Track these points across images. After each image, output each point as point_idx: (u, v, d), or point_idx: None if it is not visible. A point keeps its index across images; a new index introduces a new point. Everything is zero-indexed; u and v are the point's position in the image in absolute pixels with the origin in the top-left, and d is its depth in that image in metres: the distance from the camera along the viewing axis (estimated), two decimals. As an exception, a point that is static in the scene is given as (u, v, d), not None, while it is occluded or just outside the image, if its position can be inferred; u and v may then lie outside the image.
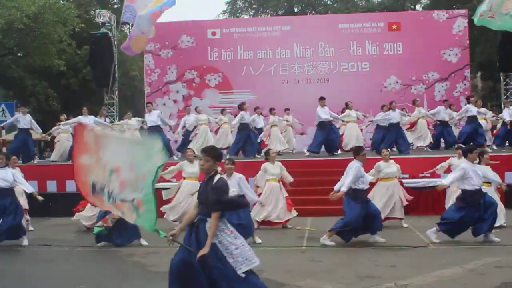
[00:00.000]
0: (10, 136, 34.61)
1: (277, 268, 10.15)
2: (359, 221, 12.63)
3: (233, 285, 7.15)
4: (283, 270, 10.20)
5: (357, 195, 12.72)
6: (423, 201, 17.02)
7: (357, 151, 13.17)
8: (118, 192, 7.42)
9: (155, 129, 21.52)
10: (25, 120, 21.80)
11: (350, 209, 12.71)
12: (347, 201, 12.78)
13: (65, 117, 23.56)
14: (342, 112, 22.65)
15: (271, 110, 22.94)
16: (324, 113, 20.66)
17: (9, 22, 29.78)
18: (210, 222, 7.27)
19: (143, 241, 13.63)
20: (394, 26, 28.01)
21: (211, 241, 7.20)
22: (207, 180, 7.56)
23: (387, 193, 14.92)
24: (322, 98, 20.86)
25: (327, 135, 20.82)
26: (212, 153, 7.66)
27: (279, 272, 9.92)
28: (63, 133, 22.83)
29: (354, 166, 12.73)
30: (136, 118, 23.17)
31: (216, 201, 7.32)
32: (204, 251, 7.12)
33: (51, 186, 20.35)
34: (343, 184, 12.64)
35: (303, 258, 11.60)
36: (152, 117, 21.82)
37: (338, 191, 12.61)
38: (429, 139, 22.33)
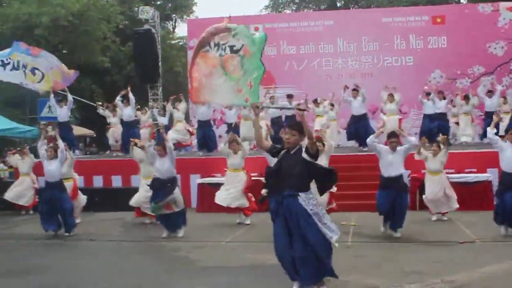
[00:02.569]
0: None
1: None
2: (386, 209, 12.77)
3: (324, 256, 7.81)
4: (328, 265, 10.18)
5: (385, 183, 12.77)
6: (469, 197, 16.82)
7: (387, 137, 13.14)
8: None
9: (205, 124, 21.52)
10: (62, 112, 22.00)
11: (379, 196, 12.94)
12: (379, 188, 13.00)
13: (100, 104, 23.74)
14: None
15: (315, 101, 22.83)
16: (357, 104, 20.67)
17: (54, 20, 30.17)
18: (303, 196, 7.65)
19: (181, 232, 13.89)
20: (438, 20, 27.75)
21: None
22: (293, 154, 7.83)
23: (436, 187, 14.86)
24: (354, 90, 20.77)
25: (356, 128, 20.85)
26: (299, 128, 7.89)
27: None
28: (112, 127, 22.98)
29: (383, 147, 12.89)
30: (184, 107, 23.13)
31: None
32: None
33: (97, 181, 20.56)
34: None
35: (348, 253, 11.53)
36: (201, 110, 21.74)
37: None
38: (472, 135, 22.01)
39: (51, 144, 15.20)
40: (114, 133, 22.79)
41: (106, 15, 33.35)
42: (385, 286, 8.90)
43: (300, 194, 7.69)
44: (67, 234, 14.48)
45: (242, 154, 15.24)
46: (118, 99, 22.34)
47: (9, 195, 18.91)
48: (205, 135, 21.32)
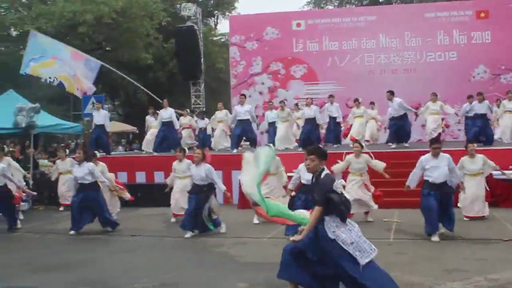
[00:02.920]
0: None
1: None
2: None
3: (357, 276, 7.31)
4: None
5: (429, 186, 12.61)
6: (514, 194, 16.59)
7: (430, 142, 13.06)
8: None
9: (245, 123, 21.57)
10: (99, 116, 22.25)
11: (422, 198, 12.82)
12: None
13: (153, 109, 23.92)
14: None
15: (355, 101, 22.76)
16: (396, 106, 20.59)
17: (98, 17, 30.46)
18: (327, 221, 7.49)
19: (223, 228, 14.07)
20: (482, 14, 27.45)
21: (307, 232, 7.51)
22: (315, 179, 7.71)
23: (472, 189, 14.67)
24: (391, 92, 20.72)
25: (398, 127, 20.81)
26: (317, 152, 7.75)
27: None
28: (152, 128, 23.17)
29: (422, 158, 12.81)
30: (226, 111, 23.19)
31: (321, 196, 7.49)
32: (297, 238, 7.59)
33: (140, 177, 20.73)
34: None
35: (389, 250, 11.49)
36: (243, 109, 21.73)
37: None
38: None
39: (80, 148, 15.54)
40: (153, 136, 22.97)
41: (149, 12, 33.54)
42: (427, 283, 8.85)
43: (325, 218, 7.56)
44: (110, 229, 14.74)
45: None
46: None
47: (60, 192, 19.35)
48: (245, 132, 21.46)
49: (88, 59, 22.13)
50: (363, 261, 7.34)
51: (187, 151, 16.08)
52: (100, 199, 14.71)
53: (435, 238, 12.35)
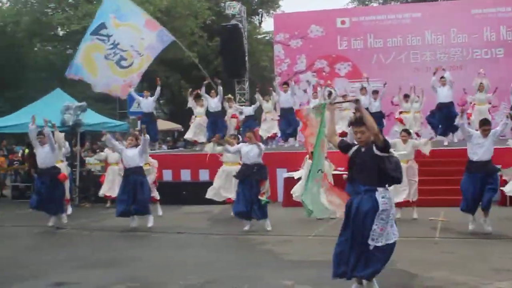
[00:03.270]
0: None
1: (410, 259, 10.02)
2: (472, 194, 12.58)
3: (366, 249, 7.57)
4: (415, 261, 10.05)
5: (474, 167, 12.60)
6: None
7: (480, 124, 12.96)
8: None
9: (288, 111, 21.60)
10: (147, 103, 22.39)
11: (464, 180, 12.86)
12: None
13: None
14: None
15: (405, 96, 22.53)
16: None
17: (142, 16, 30.67)
18: (380, 192, 7.62)
19: (269, 225, 14.11)
20: (530, 10, 27.07)
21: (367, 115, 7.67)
22: (366, 150, 7.72)
23: None
24: (442, 78, 20.74)
25: (440, 116, 20.71)
26: (364, 122, 7.76)
27: (411, 263, 9.80)
28: (198, 116, 23.16)
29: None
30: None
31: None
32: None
33: (185, 175, 20.84)
34: None
35: (436, 249, 11.40)
36: (285, 97, 21.96)
37: None
38: None
39: (131, 133, 15.68)
40: (199, 124, 22.81)
41: (194, 11, 33.74)
42: (474, 283, 8.74)
43: (378, 189, 7.63)
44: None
45: None
46: (203, 91, 22.55)
47: (103, 189, 19.39)
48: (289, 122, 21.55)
49: (162, 30, 22.02)
50: (379, 242, 7.57)
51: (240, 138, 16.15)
52: (145, 183, 15.00)
53: (470, 226, 12.71)
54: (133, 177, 14.75)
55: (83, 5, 32.13)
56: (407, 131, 15.08)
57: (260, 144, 14.17)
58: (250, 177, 13.95)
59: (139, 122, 25.47)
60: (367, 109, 20.06)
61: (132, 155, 14.71)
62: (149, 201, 15.45)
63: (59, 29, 35.02)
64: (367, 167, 7.64)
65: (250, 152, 13.95)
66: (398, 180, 7.77)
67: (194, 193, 18.86)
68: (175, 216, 16.73)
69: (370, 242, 7.51)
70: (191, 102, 22.95)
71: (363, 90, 22.19)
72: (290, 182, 17.48)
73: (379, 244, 7.52)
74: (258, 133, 14.66)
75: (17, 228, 16.11)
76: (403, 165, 14.46)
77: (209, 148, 15.83)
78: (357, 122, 7.84)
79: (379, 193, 7.56)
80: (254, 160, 13.95)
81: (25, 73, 38.65)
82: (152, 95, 22.80)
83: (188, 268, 10.28)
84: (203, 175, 20.10)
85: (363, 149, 7.77)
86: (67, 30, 33.38)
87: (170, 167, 20.66)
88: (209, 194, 16.44)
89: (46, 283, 9.65)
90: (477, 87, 21.34)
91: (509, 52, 26.81)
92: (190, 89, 23.67)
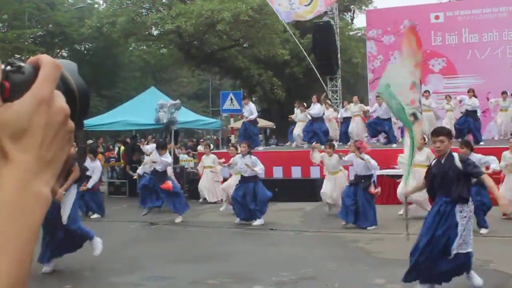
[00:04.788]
0: (238, 124, 36.00)
1: (507, 259, 9.78)
2: None
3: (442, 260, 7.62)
4: (512, 261, 9.84)
5: None
6: None
7: None
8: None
9: (384, 121, 21.41)
10: (247, 111, 22.63)
11: None
12: None
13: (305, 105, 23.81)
14: None
15: (503, 93, 22.02)
16: None
17: (235, 15, 30.92)
18: (460, 205, 7.57)
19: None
20: None
21: (499, 193, 7.94)
22: (445, 161, 7.64)
23: None
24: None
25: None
26: (446, 133, 7.74)
27: (508, 263, 9.56)
28: (300, 122, 23.08)
29: None
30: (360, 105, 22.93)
31: (475, 165, 7.78)
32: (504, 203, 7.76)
33: (277, 172, 20.89)
34: None
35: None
36: (377, 109, 21.63)
37: None
38: None
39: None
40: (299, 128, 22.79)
41: (286, 8, 33.79)
42: None
43: (457, 202, 7.58)
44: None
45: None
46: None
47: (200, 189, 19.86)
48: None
49: None
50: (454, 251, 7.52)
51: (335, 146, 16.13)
52: (260, 189, 15.25)
53: None
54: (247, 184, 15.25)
55: (176, 5, 32.62)
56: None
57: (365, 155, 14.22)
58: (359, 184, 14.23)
59: (231, 119, 25.72)
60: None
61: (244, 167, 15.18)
62: None
63: (153, 28, 35.64)
64: (453, 176, 7.60)
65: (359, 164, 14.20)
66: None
67: (287, 190, 18.87)
68: (268, 213, 16.78)
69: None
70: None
71: (425, 93, 21.67)
72: (383, 180, 17.32)
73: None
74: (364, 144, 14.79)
75: (114, 224, 16.48)
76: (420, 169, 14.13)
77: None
78: (438, 131, 7.78)
79: (457, 208, 7.56)
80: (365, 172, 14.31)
81: (121, 72, 39.62)
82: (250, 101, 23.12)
83: (281, 265, 10.32)
84: (295, 172, 20.11)
85: (442, 160, 7.68)
86: (161, 29, 33.93)
87: (263, 164, 20.77)
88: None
89: (142, 276, 9.85)
90: None
91: None
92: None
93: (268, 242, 12.91)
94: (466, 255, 7.56)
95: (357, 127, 22.18)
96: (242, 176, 15.38)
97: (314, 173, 19.92)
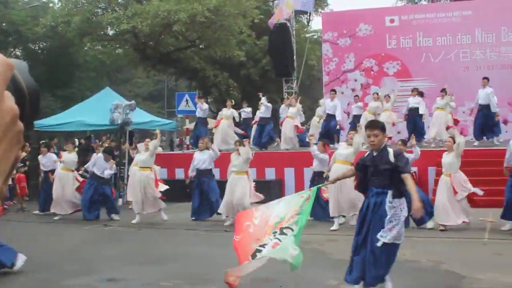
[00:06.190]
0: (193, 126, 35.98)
1: (458, 260, 9.93)
2: None
3: (373, 249, 7.66)
4: (463, 262, 9.96)
5: None
6: None
7: None
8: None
9: (331, 117, 21.56)
10: (201, 109, 22.64)
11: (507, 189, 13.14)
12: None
13: (232, 102, 23.85)
14: None
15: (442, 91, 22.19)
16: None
17: (192, 16, 30.86)
18: (391, 194, 7.61)
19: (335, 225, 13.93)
20: None
21: (417, 196, 7.62)
22: (378, 154, 7.78)
23: None
24: (484, 78, 20.88)
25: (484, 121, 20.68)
26: (380, 126, 7.83)
27: (459, 264, 9.70)
28: (224, 119, 23.03)
29: None
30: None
31: (406, 163, 7.83)
32: (418, 207, 7.58)
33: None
34: None
35: (484, 250, 11.28)
36: (330, 104, 21.81)
37: None
38: None
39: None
40: None
41: (242, 10, 33.77)
42: (524, 285, 8.65)
43: (389, 192, 7.66)
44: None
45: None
46: None
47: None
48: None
49: None
50: (381, 241, 7.58)
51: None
52: (214, 184, 15.87)
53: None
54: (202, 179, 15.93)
55: (132, 5, 32.44)
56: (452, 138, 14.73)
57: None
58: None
59: (187, 120, 25.68)
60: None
61: (202, 161, 15.94)
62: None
63: (109, 28, 35.39)
64: (384, 168, 7.70)
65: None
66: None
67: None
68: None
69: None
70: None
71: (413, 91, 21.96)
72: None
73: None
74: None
75: (68, 225, 16.35)
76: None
77: None
78: (372, 125, 7.88)
79: (387, 198, 7.65)
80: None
81: (76, 72, 39.25)
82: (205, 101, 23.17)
83: (235, 266, 10.31)
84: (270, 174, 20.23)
85: (375, 154, 7.81)
86: (117, 29, 33.69)
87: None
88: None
89: (96, 278, 9.82)
90: None
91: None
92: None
93: (223, 243, 12.88)
94: (392, 246, 7.61)
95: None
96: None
97: (269, 174, 20.03)
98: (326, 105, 21.94)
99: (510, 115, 23.85)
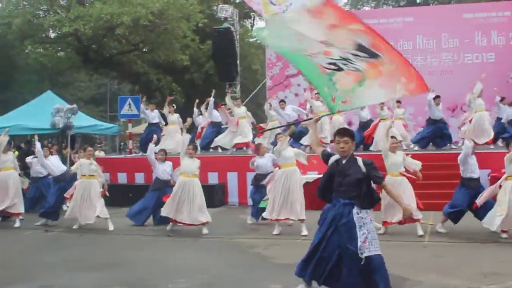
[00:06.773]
0: (136, 130, 35.69)
1: (400, 263, 10.03)
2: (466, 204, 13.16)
3: (355, 266, 7.46)
4: (405, 265, 10.08)
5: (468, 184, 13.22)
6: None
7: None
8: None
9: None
10: (151, 115, 22.55)
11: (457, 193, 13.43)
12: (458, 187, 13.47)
13: (174, 107, 23.71)
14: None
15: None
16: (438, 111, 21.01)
17: (135, 19, 30.70)
18: (358, 205, 7.57)
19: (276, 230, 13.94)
20: (521, 15, 27.15)
21: (400, 200, 8.02)
22: (346, 162, 7.74)
23: None
24: (437, 97, 20.90)
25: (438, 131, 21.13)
26: (350, 134, 7.85)
27: (401, 267, 9.80)
28: (171, 124, 22.81)
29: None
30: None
31: (380, 174, 7.81)
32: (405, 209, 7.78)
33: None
34: None
35: (425, 252, 11.44)
36: (288, 111, 21.96)
37: None
38: None
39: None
40: None
41: (186, 14, 33.67)
42: (463, 287, 8.78)
43: (355, 204, 7.60)
44: None
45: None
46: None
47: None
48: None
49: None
50: (365, 254, 7.43)
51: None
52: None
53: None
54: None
55: (75, 8, 32.08)
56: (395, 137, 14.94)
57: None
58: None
59: (129, 124, 25.50)
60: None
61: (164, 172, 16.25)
62: None
63: (51, 31, 34.95)
64: (353, 178, 7.63)
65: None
66: (376, 202, 7.86)
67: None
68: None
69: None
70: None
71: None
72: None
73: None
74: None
75: (8, 231, 16.07)
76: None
77: None
78: (342, 132, 7.88)
79: (355, 209, 7.59)
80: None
81: (16, 75, 38.57)
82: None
83: (178, 272, 10.28)
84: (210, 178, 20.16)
85: (344, 161, 7.81)
86: (59, 32, 33.29)
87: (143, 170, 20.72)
88: None
89: (37, 285, 9.67)
90: (478, 93, 21.11)
91: (500, 57, 26.88)
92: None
93: (167, 248, 12.84)
94: (376, 257, 7.54)
95: None
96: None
97: (212, 178, 19.99)
98: (284, 114, 21.71)
99: (450, 120, 24.21)
